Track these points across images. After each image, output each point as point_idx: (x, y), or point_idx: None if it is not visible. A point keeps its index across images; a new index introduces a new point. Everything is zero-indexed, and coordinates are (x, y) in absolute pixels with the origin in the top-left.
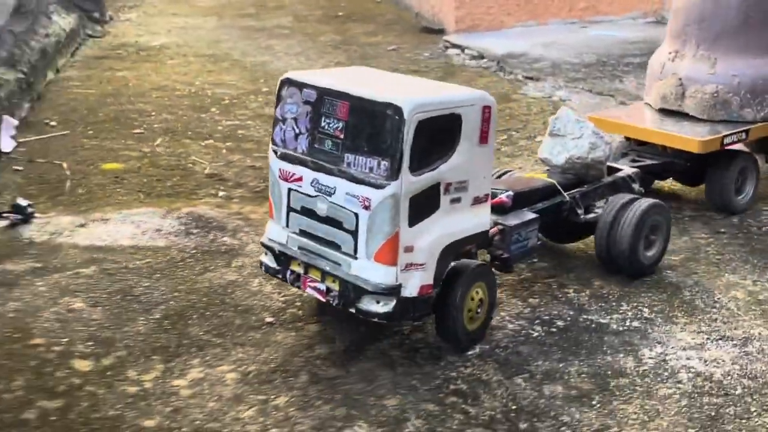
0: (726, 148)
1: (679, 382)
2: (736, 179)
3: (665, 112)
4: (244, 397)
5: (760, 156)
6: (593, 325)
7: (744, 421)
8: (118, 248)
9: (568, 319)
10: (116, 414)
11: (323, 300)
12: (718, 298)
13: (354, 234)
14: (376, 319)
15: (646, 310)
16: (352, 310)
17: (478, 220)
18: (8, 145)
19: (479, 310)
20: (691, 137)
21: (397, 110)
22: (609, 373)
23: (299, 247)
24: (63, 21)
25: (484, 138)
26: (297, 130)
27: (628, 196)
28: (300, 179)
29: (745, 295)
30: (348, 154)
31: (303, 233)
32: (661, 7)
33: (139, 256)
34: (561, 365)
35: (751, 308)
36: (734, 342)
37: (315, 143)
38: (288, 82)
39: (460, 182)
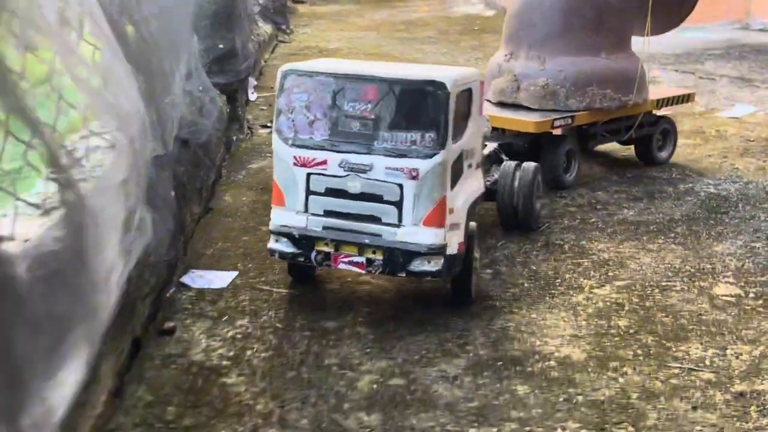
0: (555, 131)
1: None
2: (564, 159)
3: (503, 104)
4: None
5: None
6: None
7: None
8: None
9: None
10: None
11: (362, 271)
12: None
13: (398, 204)
14: (429, 278)
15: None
16: (402, 274)
17: (480, 181)
18: (252, 96)
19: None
20: (528, 120)
21: (441, 86)
22: None
23: (324, 227)
24: (264, 27)
25: (481, 109)
26: (311, 117)
27: (513, 163)
28: (323, 162)
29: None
30: (382, 132)
31: (329, 213)
32: (746, 17)
33: None
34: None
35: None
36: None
37: (338, 127)
38: (292, 72)
39: (472, 149)
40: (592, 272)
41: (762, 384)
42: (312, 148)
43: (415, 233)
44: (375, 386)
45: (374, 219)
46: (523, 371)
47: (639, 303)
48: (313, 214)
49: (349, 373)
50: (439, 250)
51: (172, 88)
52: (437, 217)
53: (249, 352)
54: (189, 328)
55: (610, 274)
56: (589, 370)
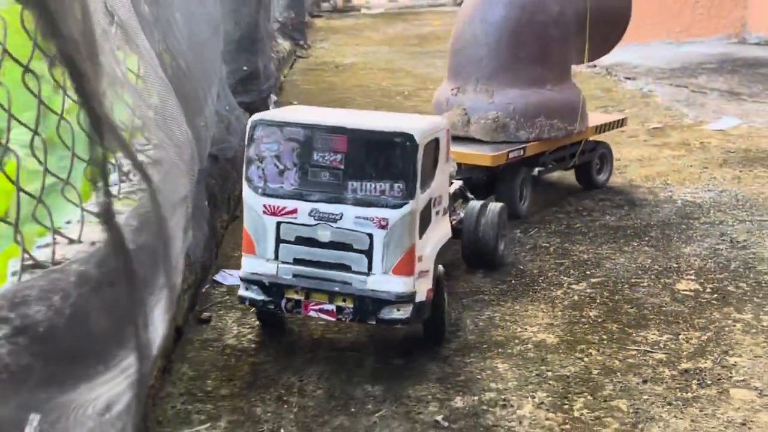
0: (510, 163)
1: None
2: (518, 190)
3: (454, 138)
4: None
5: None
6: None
7: None
8: None
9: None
10: None
11: (332, 319)
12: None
13: (368, 253)
14: (398, 325)
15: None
16: (372, 322)
17: (448, 225)
18: None
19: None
20: (485, 154)
21: (410, 138)
22: None
23: (294, 275)
24: (284, 44)
25: (447, 156)
26: (281, 167)
27: (479, 202)
28: (294, 211)
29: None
30: (351, 182)
31: (299, 261)
32: (743, 30)
33: None
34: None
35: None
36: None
37: (308, 176)
38: (262, 123)
39: (440, 195)
40: (571, 271)
41: (705, 363)
42: (282, 197)
43: (384, 282)
44: (379, 365)
45: (344, 267)
46: (504, 352)
47: (609, 297)
48: (284, 262)
49: (357, 354)
50: (408, 298)
51: (205, 111)
52: (406, 266)
53: (273, 338)
54: (222, 318)
55: (587, 272)
56: (560, 351)
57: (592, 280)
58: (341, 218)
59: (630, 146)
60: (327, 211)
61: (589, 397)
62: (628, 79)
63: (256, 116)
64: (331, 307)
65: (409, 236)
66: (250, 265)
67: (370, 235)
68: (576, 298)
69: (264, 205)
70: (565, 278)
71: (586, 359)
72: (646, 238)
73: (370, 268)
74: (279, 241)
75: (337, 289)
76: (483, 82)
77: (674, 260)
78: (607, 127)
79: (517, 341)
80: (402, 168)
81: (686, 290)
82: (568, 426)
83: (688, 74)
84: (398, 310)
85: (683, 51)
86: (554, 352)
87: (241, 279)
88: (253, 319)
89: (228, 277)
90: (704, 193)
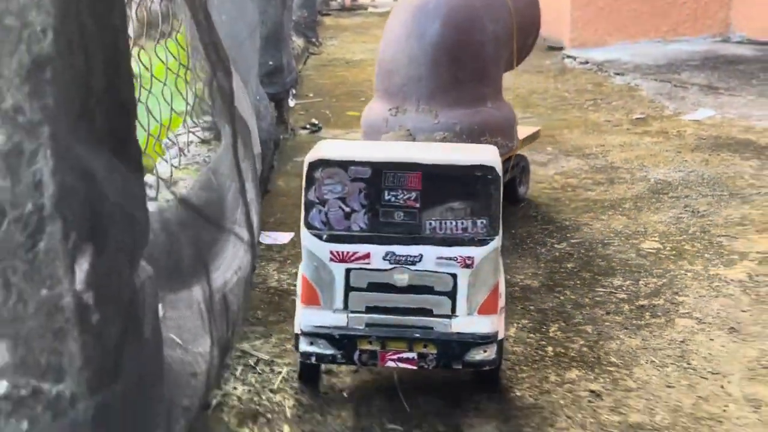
0: None
1: None
2: None
3: None
4: None
5: None
6: None
7: None
8: None
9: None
10: None
11: (413, 368)
12: None
13: (451, 294)
14: (486, 368)
15: None
16: (458, 366)
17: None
18: (292, 103)
19: None
20: None
21: (491, 170)
22: None
23: (367, 325)
24: (298, 42)
25: None
26: (347, 209)
27: None
28: (366, 256)
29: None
30: (429, 220)
31: (372, 309)
32: (727, 30)
33: None
34: None
35: None
36: None
37: (379, 217)
38: (323, 164)
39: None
40: (554, 234)
41: (658, 301)
42: (351, 242)
43: (469, 323)
44: None
45: (424, 311)
46: None
47: (584, 253)
48: (354, 312)
49: None
50: (493, 338)
51: (249, 99)
52: (492, 305)
53: None
54: (264, 267)
55: (568, 235)
56: (541, 292)
57: (572, 241)
58: (421, 260)
59: (614, 134)
60: (404, 253)
61: (562, 324)
62: (618, 74)
63: (315, 156)
64: (412, 355)
65: (494, 273)
66: (312, 317)
67: (454, 276)
68: (557, 254)
69: (331, 252)
70: (548, 239)
71: (561, 297)
72: (620, 209)
73: (453, 309)
74: (348, 289)
75: (417, 335)
76: (424, 102)
77: (642, 226)
78: (528, 140)
79: (507, 285)
80: (484, 202)
81: (649, 248)
82: (544, 342)
83: (672, 70)
84: (484, 351)
85: (670, 49)
86: (536, 293)
87: (303, 334)
88: (290, 269)
89: (266, 237)
90: (675, 173)
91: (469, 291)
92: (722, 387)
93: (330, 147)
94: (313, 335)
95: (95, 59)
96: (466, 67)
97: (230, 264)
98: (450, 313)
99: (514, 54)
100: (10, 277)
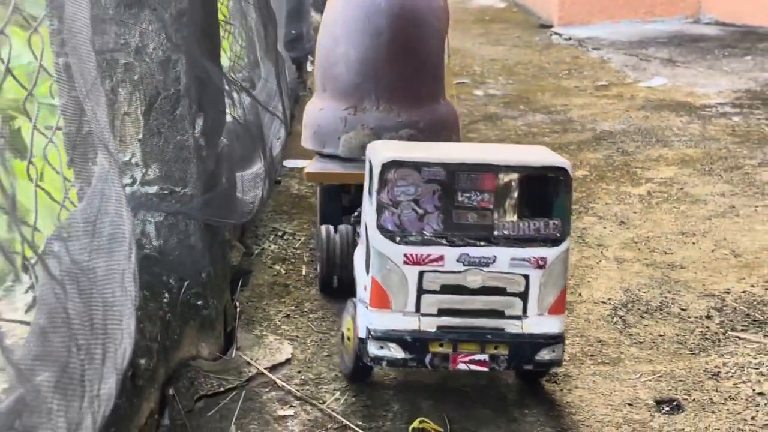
0: None
1: None
2: None
3: (358, 160)
4: None
5: None
6: None
7: None
8: None
9: None
10: None
11: (485, 369)
12: None
13: (523, 295)
14: (554, 368)
15: None
16: (529, 367)
17: None
18: (309, 67)
19: None
20: None
21: (563, 171)
22: None
23: (439, 327)
24: (316, 16)
25: None
26: (421, 211)
27: None
28: (440, 258)
29: None
30: (503, 221)
31: (443, 312)
32: (698, 12)
33: None
34: None
35: None
36: None
37: (452, 219)
38: (395, 164)
39: None
40: None
41: (575, 207)
42: (425, 245)
43: (540, 323)
44: None
45: (496, 313)
46: None
47: None
48: (425, 314)
49: None
50: (561, 338)
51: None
52: (561, 305)
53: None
54: (288, 181)
55: None
56: None
57: None
58: (494, 261)
59: (578, 97)
60: (478, 255)
61: None
62: (595, 49)
63: (387, 156)
64: (484, 356)
65: (564, 273)
66: (384, 321)
67: (527, 277)
68: None
69: (405, 255)
70: None
71: None
72: (566, 149)
73: (525, 310)
74: (421, 291)
75: (489, 337)
76: (384, 100)
77: (580, 161)
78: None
79: None
80: (557, 203)
81: (579, 175)
82: None
83: (642, 46)
84: (553, 351)
85: (645, 28)
86: None
87: (373, 338)
88: (307, 185)
89: (289, 162)
90: (618, 125)
91: (541, 291)
92: (602, 253)
93: (392, 147)
94: (383, 339)
95: (206, 10)
96: (424, 64)
97: (277, 133)
98: (521, 314)
99: (447, 50)
100: (161, 129)
